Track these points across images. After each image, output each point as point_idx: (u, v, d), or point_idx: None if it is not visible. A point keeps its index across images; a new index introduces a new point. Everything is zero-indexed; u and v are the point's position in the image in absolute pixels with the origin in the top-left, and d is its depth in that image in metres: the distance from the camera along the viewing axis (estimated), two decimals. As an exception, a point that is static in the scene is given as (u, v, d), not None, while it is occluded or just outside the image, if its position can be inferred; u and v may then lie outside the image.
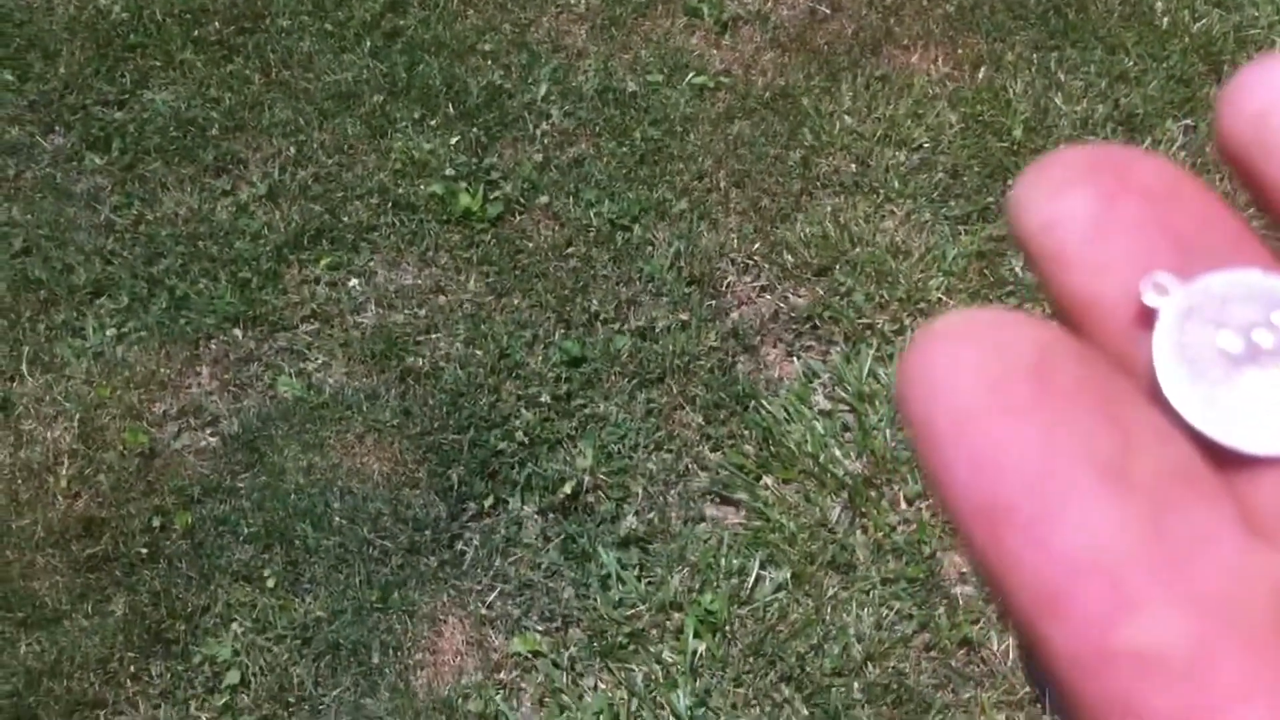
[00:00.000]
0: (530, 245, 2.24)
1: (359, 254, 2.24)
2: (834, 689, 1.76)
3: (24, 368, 2.08)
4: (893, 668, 1.78)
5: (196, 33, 2.57)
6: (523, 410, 2.03)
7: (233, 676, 1.78)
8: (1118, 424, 0.18)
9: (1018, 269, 2.17)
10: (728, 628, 1.81)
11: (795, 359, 2.10)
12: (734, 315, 2.15)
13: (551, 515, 1.94)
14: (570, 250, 2.23)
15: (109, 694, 1.77)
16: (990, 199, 2.27)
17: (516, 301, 2.16)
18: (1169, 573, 0.17)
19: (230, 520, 1.92)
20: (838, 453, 1.97)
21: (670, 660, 1.79)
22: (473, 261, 2.22)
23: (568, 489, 1.95)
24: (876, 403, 2.02)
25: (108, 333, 2.13)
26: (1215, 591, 0.17)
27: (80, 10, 2.62)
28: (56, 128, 2.44)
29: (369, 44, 2.54)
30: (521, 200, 2.30)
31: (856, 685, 1.76)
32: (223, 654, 1.79)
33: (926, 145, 2.35)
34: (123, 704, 1.76)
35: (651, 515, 1.93)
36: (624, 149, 2.37)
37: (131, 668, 1.79)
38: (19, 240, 2.25)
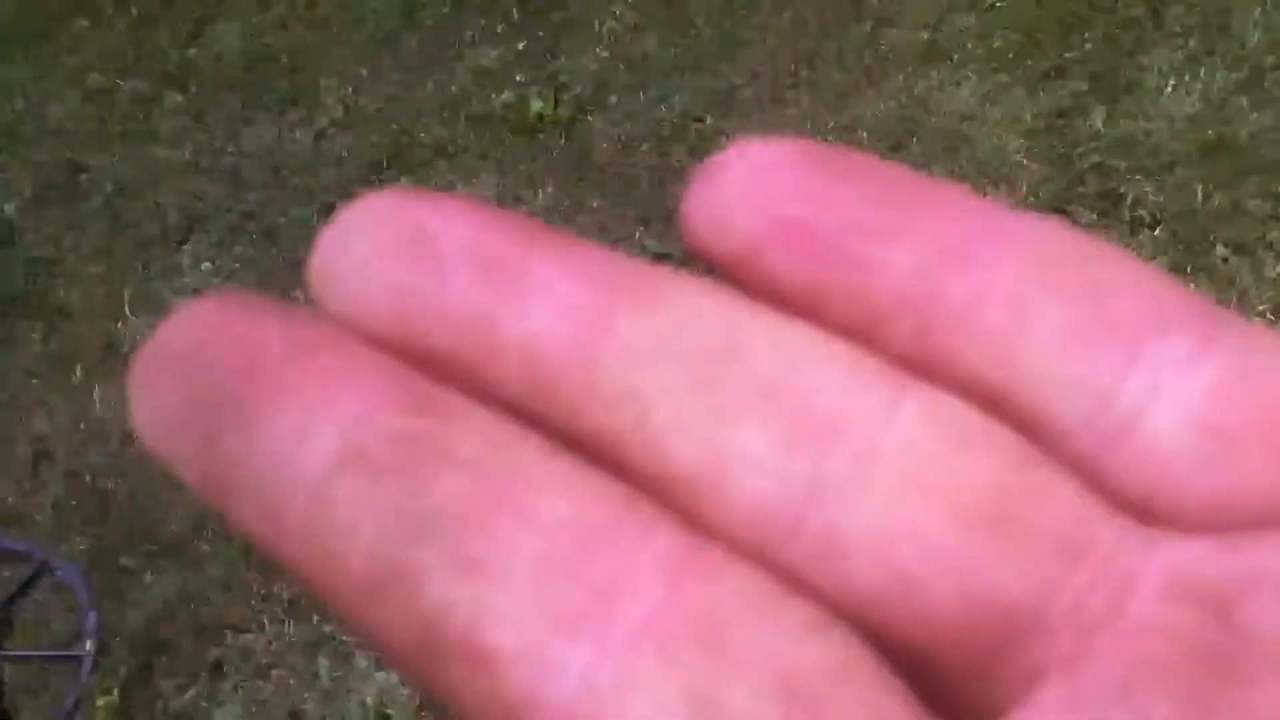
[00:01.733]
0: (605, 146, 2.25)
1: (436, 170, 2.26)
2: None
3: (126, 309, 2.15)
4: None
5: (260, -38, 2.60)
6: (609, 311, 2.05)
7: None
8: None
9: (1099, 124, 2.12)
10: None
11: (877, 237, 2.09)
12: (812, 198, 2.14)
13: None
14: (645, 147, 2.23)
15: (237, 614, 1.85)
16: (1068, 54, 2.22)
17: (595, 203, 2.18)
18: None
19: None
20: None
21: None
22: (548, 167, 2.24)
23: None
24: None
25: (203, 268, 2.20)
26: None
27: (145, -49, 2.65)
28: (133, 71, 2.49)
29: (429, -43, 2.55)
30: (592, 101, 2.31)
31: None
32: (340, 569, 1.86)
33: (999, 5, 2.30)
34: (250, 623, 1.85)
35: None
36: (689, 39, 2.35)
37: (256, 587, 1.87)
38: (109, 185, 2.31)
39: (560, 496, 0.14)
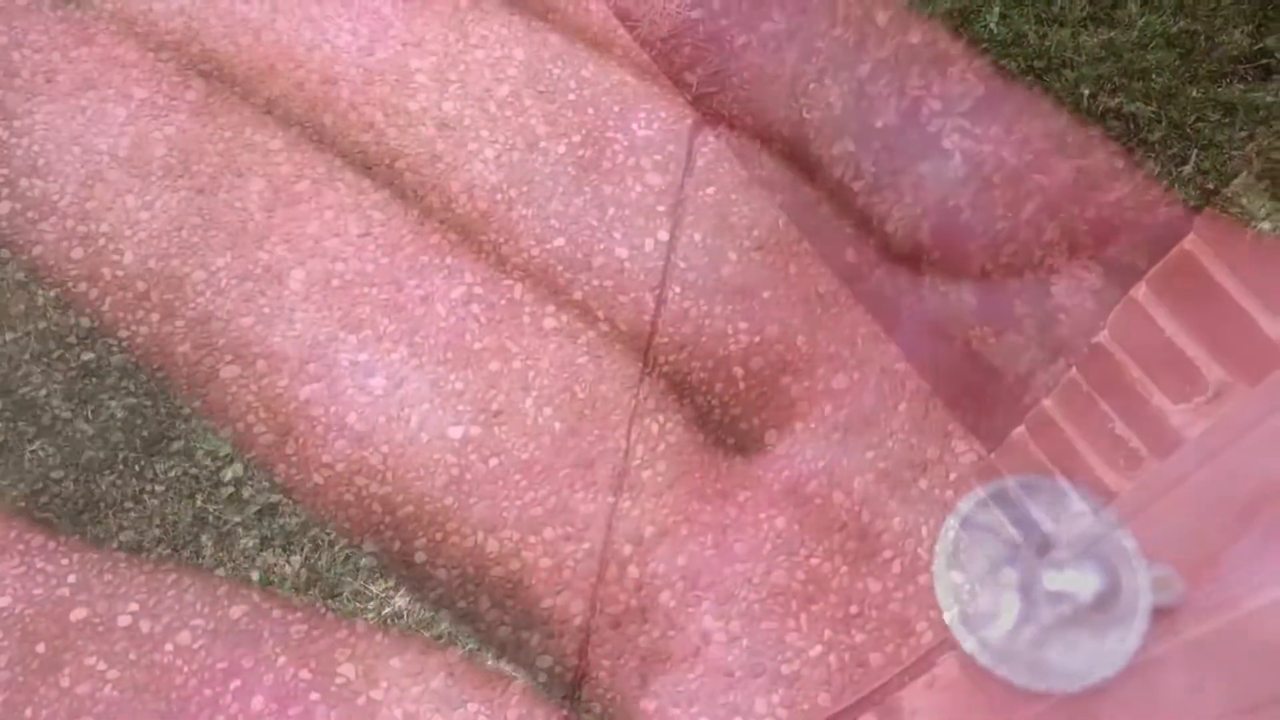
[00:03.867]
0: None
1: None
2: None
3: None
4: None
5: None
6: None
7: (235, 470, 1.83)
8: None
9: (992, 25, 2.13)
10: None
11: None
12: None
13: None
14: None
15: (117, 492, 1.82)
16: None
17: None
18: None
19: (220, 321, 1.94)
20: None
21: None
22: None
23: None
24: None
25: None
26: None
27: None
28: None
29: None
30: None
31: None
32: (223, 450, 1.84)
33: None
34: (128, 501, 1.82)
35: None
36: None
37: (137, 467, 1.84)
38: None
39: None
